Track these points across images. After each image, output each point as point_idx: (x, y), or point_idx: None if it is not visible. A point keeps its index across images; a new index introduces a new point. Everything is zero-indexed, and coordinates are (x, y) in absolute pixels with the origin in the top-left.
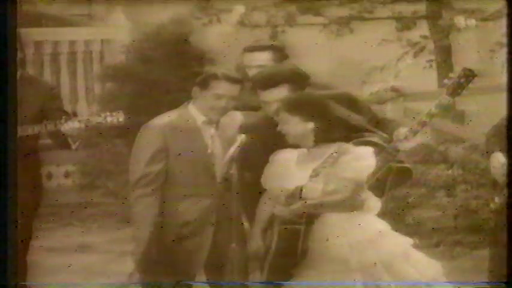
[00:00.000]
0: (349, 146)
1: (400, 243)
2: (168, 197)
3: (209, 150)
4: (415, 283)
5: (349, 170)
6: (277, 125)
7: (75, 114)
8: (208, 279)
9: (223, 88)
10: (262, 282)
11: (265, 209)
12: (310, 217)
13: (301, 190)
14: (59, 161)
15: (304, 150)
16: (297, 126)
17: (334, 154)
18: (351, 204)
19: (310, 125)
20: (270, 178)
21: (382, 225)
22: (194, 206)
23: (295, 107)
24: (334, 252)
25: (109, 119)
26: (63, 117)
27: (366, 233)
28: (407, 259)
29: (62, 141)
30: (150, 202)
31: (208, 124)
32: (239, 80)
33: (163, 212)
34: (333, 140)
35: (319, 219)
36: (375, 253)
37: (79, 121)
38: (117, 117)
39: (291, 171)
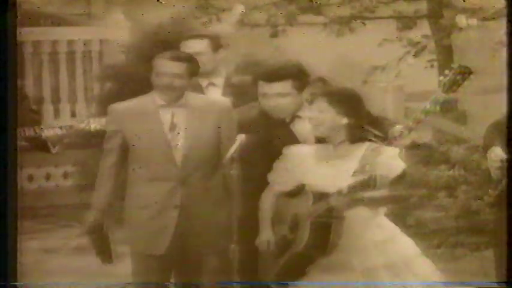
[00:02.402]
0: (380, 146)
1: (413, 246)
2: (129, 180)
3: (164, 131)
4: (415, 283)
5: (386, 169)
6: (273, 121)
7: (73, 115)
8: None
9: (163, 66)
10: (262, 283)
11: (270, 203)
12: (340, 212)
13: (375, 179)
14: (57, 162)
15: (327, 146)
16: (331, 118)
17: (370, 153)
18: (379, 202)
19: (344, 121)
20: (282, 172)
21: (393, 226)
22: (155, 189)
23: (337, 99)
24: (360, 250)
25: (92, 125)
26: (42, 124)
27: (384, 232)
28: (421, 260)
29: (40, 145)
30: (112, 172)
31: (167, 107)
32: (182, 57)
33: (125, 195)
34: (361, 139)
35: (348, 215)
36: (396, 252)
37: (60, 127)
38: (101, 123)
39: (309, 167)
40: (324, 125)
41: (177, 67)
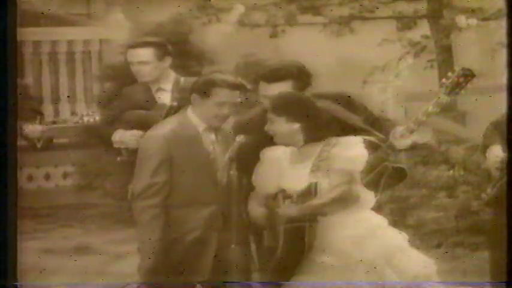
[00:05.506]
0: (337, 138)
1: (398, 237)
2: (172, 205)
3: (211, 157)
4: (416, 283)
5: (342, 161)
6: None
7: (73, 114)
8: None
9: (225, 95)
10: (262, 283)
11: (256, 208)
12: (313, 214)
13: (316, 187)
14: (57, 162)
15: (295, 149)
16: (283, 126)
17: (326, 148)
18: (349, 197)
19: (296, 125)
20: (262, 177)
21: (379, 220)
22: (198, 213)
23: (281, 107)
24: (337, 247)
25: (86, 118)
26: (38, 118)
27: (365, 227)
28: (405, 253)
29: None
30: (157, 213)
31: (209, 131)
32: (240, 85)
33: (169, 221)
34: (322, 139)
35: (321, 215)
36: (376, 246)
37: (42, 124)
38: (94, 117)
39: (284, 170)
40: (278, 134)
41: (237, 95)
